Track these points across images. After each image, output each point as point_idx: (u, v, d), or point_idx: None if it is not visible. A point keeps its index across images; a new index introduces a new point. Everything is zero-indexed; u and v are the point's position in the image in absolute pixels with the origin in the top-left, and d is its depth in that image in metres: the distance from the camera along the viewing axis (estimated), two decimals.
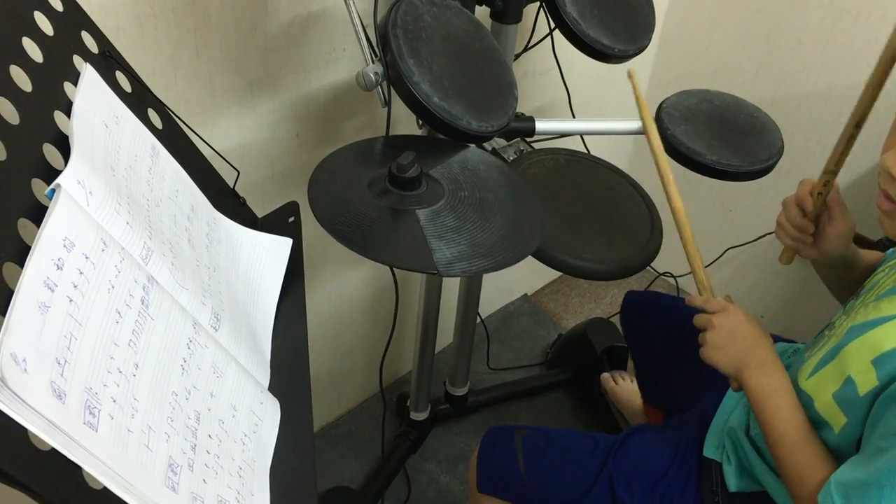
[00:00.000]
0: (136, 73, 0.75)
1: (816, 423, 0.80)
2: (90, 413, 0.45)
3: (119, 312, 0.52)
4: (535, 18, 1.25)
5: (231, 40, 1.01)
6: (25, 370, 0.42)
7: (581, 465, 1.02)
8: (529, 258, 0.86)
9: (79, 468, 0.43)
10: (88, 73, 0.65)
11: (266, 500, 0.61)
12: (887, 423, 0.69)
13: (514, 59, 1.21)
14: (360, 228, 0.79)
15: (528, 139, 1.17)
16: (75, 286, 0.48)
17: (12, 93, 0.56)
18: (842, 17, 1.50)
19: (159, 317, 0.57)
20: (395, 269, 1.18)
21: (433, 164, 0.92)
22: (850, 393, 0.75)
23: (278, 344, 0.77)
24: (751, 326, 0.88)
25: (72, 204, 0.52)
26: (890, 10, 1.43)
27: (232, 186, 0.89)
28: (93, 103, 0.63)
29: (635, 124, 1.16)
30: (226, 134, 1.08)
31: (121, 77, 0.73)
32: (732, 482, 0.92)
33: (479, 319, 1.64)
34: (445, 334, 1.68)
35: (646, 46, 1.18)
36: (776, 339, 1.11)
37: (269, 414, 0.68)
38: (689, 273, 0.96)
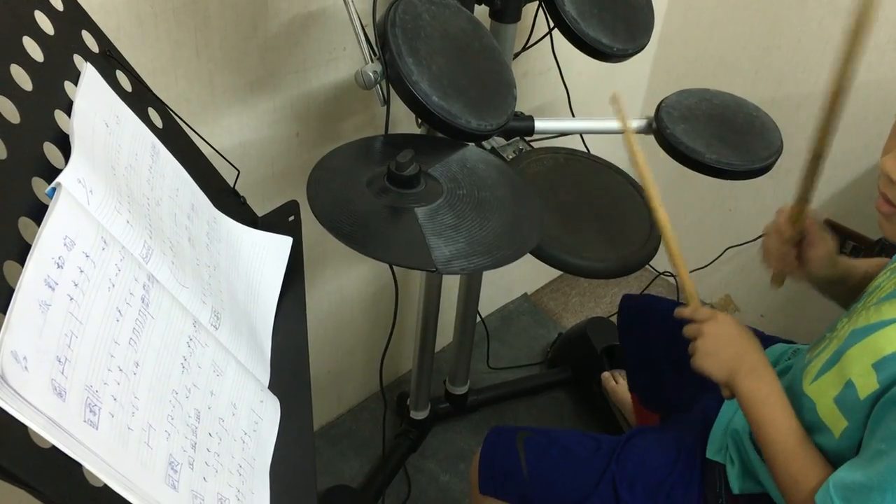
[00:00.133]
0: (136, 73, 0.75)
1: (818, 427, 0.80)
2: (90, 411, 0.46)
3: (119, 311, 0.52)
4: (534, 17, 1.25)
5: (231, 39, 1.01)
6: (26, 368, 0.42)
7: (584, 466, 1.02)
8: (529, 257, 0.87)
9: (79, 466, 0.44)
10: (89, 72, 0.65)
11: (266, 498, 0.62)
12: (888, 427, 0.69)
13: (514, 58, 1.21)
14: (359, 227, 0.80)
15: (528, 138, 1.17)
16: (76, 285, 0.49)
17: (13, 92, 0.56)
18: (842, 17, 1.51)
19: (160, 315, 0.57)
20: (394, 267, 1.18)
21: (432, 163, 0.92)
22: (850, 396, 0.75)
23: (278, 342, 0.77)
24: (740, 333, 0.88)
25: (72, 203, 0.52)
26: (890, 10, 1.43)
27: (232, 185, 0.89)
28: (93, 102, 0.64)
29: (634, 123, 1.16)
30: (226, 133, 1.08)
31: (121, 76, 0.74)
32: (736, 484, 0.92)
33: (479, 318, 1.64)
34: (445, 333, 1.68)
35: (645, 45, 1.18)
36: (776, 339, 1.11)
37: (270, 412, 0.68)
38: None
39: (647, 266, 1.03)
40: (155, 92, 0.78)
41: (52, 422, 0.42)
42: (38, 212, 0.51)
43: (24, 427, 0.41)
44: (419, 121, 1.12)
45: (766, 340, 1.08)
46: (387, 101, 0.96)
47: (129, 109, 0.69)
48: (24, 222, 0.50)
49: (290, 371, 0.74)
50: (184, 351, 0.59)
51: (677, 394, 1.20)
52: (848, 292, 0.96)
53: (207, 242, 0.75)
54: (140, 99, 0.75)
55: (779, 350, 1.07)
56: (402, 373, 1.81)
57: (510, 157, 1.12)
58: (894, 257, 0.89)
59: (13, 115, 0.55)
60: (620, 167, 1.16)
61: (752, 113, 1.20)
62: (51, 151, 0.57)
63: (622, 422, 1.65)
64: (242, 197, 0.90)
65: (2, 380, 0.40)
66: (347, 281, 1.48)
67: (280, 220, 0.90)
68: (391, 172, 0.85)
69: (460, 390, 1.67)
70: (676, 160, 1.13)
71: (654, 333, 1.26)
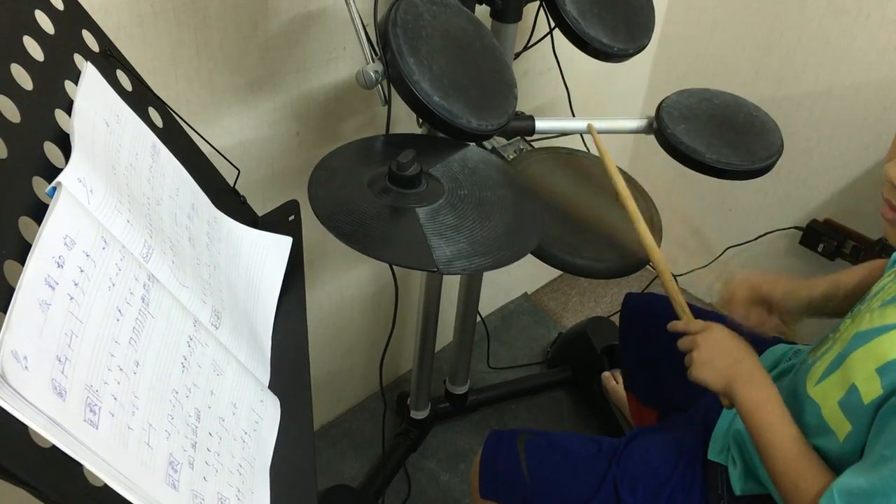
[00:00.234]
0: (136, 72, 0.75)
1: (822, 430, 0.79)
2: (91, 410, 0.46)
3: (120, 310, 0.52)
4: (534, 17, 1.25)
5: (232, 39, 1.01)
6: (26, 367, 0.42)
7: (585, 468, 1.01)
8: (529, 256, 0.87)
9: (79, 465, 0.44)
10: (89, 71, 0.65)
11: (266, 497, 0.61)
12: (892, 432, 0.69)
13: (514, 58, 1.21)
14: (360, 226, 0.80)
15: (528, 138, 1.17)
16: (76, 284, 0.49)
17: (13, 91, 0.56)
18: (842, 17, 1.51)
19: (160, 315, 0.57)
20: (395, 267, 1.18)
21: (433, 163, 0.92)
22: (854, 401, 0.74)
23: (278, 342, 0.77)
24: (734, 341, 0.89)
25: (73, 202, 0.52)
26: (890, 11, 1.43)
27: (232, 185, 0.89)
28: (93, 102, 0.64)
29: (635, 123, 1.16)
30: (226, 132, 1.08)
31: (121, 76, 0.74)
32: (738, 485, 0.92)
33: (479, 318, 1.64)
34: (445, 333, 1.68)
35: (646, 45, 1.18)
36: (776, 340, 1.11)
37: (270, 412, 0.68)
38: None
39: (647, 266, 1.03)
40: (155, 91, 0.78)
41: (52, 421, 0.42)
42: (39, 211, 0.51)
43: (24, 426, 0.41)
44: (420, 121, 1.12)
45: (766, 341, 1.08)
46: (388, 101, 0.96)
47: (129, 109, 0.69)
48: (25, 222, 0.50)
49: (290, 371, 0.74)
50: (184, 350, 0.59)
51: (677, 392, 1.19)
52: (843, 302, 0.96)
53: (208, 242, 0.75)
54: (140, 98, 0.75)
55: (780, 351, 1.07)
56: (402, 372, 1.81)
57: (511, 156, 1.12)
58: (893, 256, 0.89)
59: (13, 114, 0.55)
60: (621, 167, 1.16)
61: (752, 113, 1.20)
62: (51, 151, 0.57)
63: (622, 421, 1.65)
64: (242, 196, 0.90)
65: (2, 379, 0.40)
66: (347, 281, 1.48)
67: (280, 220, 0.90)
68: (392, 172, 0.85)
69: (460, 390, 1.67)
70: (677, 160, 1.13)
71: (655, 332, 1.26)
